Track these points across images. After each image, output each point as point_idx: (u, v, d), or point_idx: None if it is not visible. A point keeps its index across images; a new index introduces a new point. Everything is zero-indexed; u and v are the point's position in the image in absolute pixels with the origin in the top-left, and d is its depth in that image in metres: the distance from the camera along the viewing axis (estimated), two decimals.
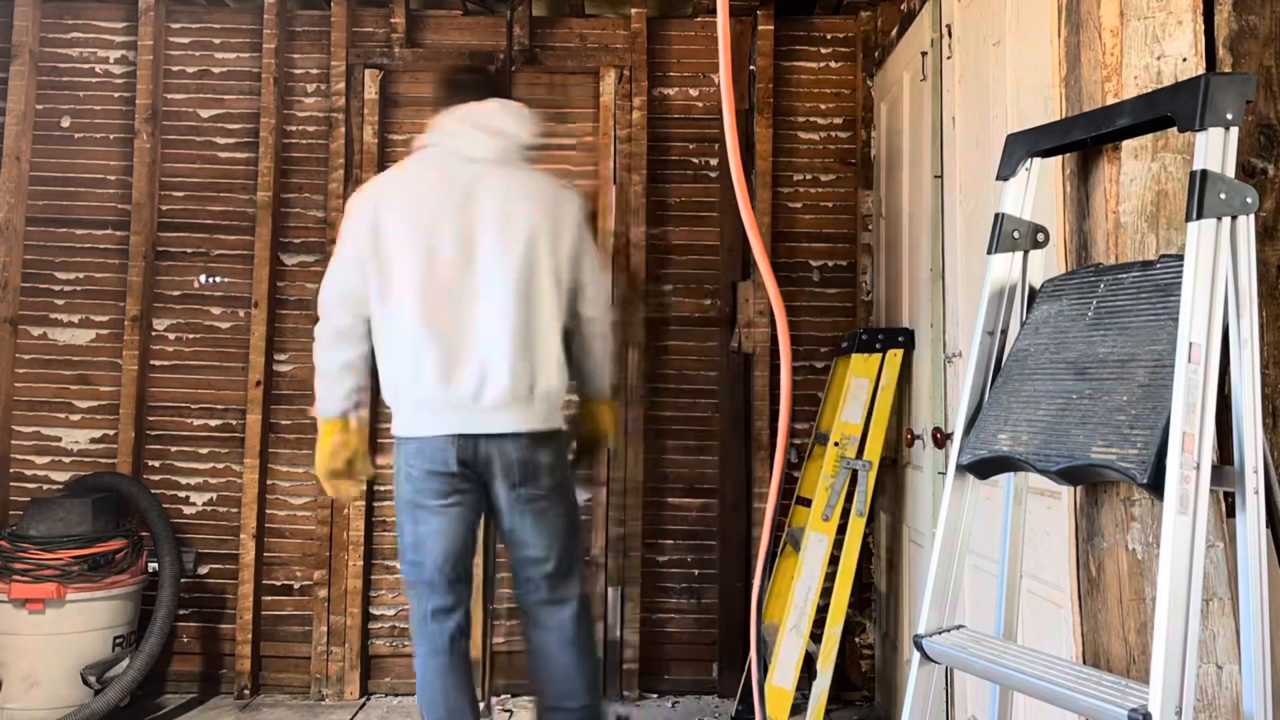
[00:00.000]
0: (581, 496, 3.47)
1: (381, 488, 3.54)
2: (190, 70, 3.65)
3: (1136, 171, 1.56)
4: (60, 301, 3.57)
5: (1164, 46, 1.58)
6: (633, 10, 3.62)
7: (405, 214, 2.37)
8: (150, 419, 3.55)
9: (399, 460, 2.41)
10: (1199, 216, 1.29)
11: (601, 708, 2.48)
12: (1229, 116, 1.32)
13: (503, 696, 3.42)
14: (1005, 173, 1.70)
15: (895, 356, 3.02)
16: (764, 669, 2.92)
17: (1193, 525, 1.22)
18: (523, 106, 2.56)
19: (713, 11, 3.10)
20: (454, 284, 2.33)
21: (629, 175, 3.55)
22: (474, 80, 2.61)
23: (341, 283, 2.43)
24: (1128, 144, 1.56)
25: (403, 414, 2.40)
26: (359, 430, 2.51)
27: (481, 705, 3.29)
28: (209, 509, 3.53)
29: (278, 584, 3.52)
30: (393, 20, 3.61)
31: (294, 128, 3.63)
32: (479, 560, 3.19)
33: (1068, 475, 1.43)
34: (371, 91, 3.58)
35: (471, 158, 2.41)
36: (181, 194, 3.62)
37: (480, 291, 2.34)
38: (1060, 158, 1.74)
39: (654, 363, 3.56)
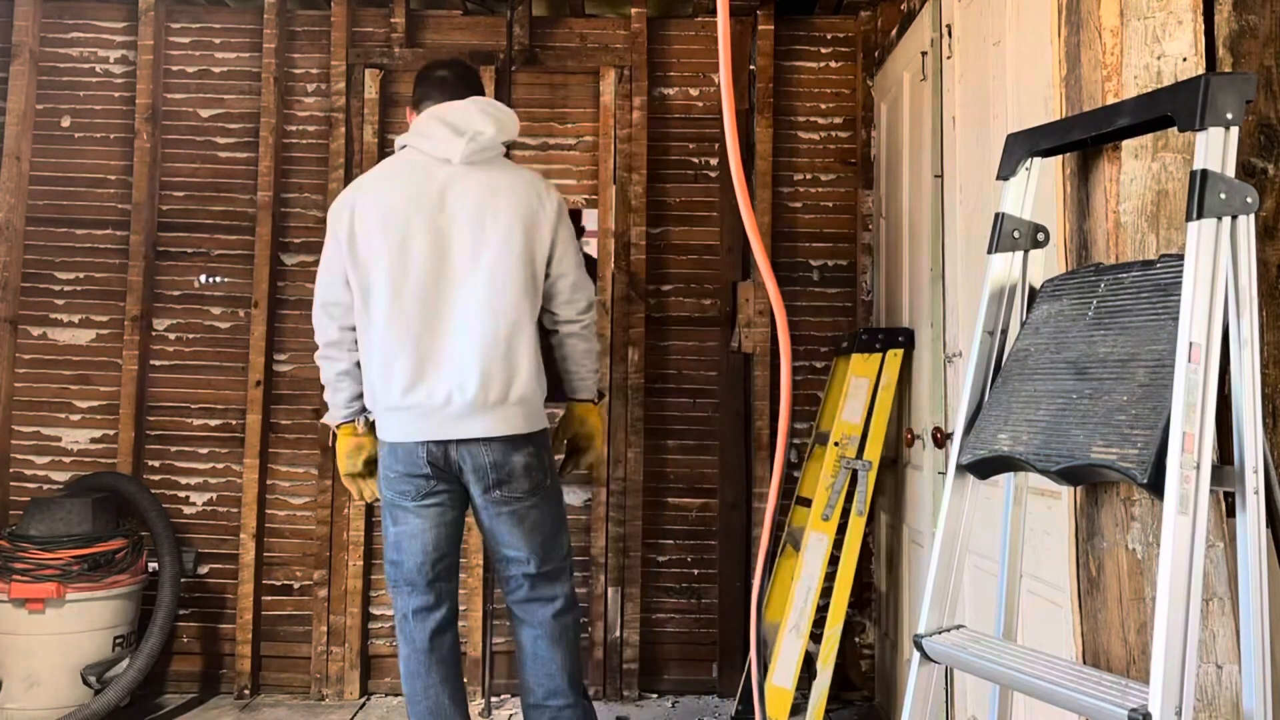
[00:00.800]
0: (580, 497, 3.48)
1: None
2: (190, 70, 3.65)
3: (1137, 171, 1.56)
4: (60, 301, 3.57)
5: (1164, 46, 1.58)
6: (633, 10, 3.62)
7: (378, 220, 2.34)
8: (150, 419, 3.55)
9: (380, 462, 2.42)
10: (1199, 216, 1.29)
11: (586, 706, 2.46)
12: (1229, 116, 1.32)
13: (503, 697, 3.42)
14: (1005, 173, 1.70)
15: (895, 356, 3.02)
16: (764, 669, 2.92)
17: (1193, 525, 1.22)
18: (500, 104, 2.50)
19: (713, 11, 3.10)
20: (426, 291, 2.31)
21: (629, 175, 3.55)
22: (450, 76, 2.53)
23: (325, 292, 2.44)
24: (1128, 144, 1.56)
25: (380, 419, 2.40)
26: (370, 433, 2.52)
27: (481, 704, 3.30)
28: (209, 509, 3.53)
29: (278, 584, 3.52)
30: (393, 20, 3.61)
31: (294, 128, 3.63)
32: (476, 561, 3.19)
33: (1068, 475, 1.43)
34: (371, 91, 3.58)
35: (445, 159, 2.37)
36: (181, 194, 3.62)
37: (453, 298, 2.32)
38: (1060, 157, 1.74)
39: (654, 363, 3.56)
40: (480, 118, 2.39)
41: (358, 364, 2.44)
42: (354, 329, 2.41)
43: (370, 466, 2.53)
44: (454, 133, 2.36)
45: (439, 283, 2.32)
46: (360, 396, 2.47)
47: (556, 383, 2.57)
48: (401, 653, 2.42)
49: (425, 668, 2.38)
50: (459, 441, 2.31)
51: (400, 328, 2.31)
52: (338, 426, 2.55)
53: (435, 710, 2.38)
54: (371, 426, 2.49)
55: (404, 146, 2.46)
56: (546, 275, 2.42)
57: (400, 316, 2.31)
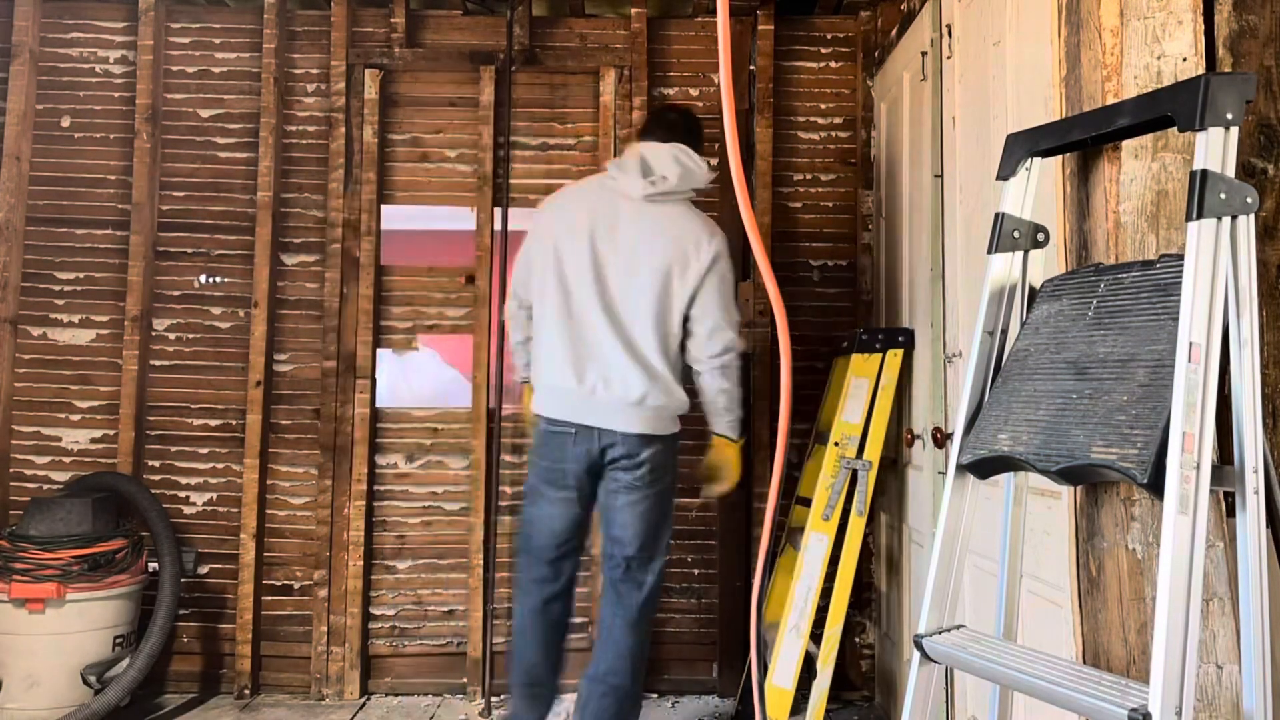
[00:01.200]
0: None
1: (380, 487, 3.54)
2: (190, 70, 3.65)
3: (1136, 171, 1.56)
4: (60, 301, 3.57)
5: (1164, 46, 1.58)
6: (633, 10, 3.62)
7: (563, 228, 2.69)
8: (150, 419, 3.55)
9: (533, 449, 2.73)
10: (1199, 216, 1.29)
11: (636, 694, 2.66)
12: (1229, 116, 1.32)
13: (503, 696, 3.42)
14: (1005, 173, 1.70)
15: (895, 356, 3.02)
16: (764, 669, 2.92)
17: (1193, 525, 1.22)
18: (696, 157, 2.74)
19: (713, 11, 3.10)
20: (586, 301, 2.64)
21: None
22: (675, 120, 2.89)
23: (517, 272, 2.83)
24: (1128, 144, 1.56)
25: (540, 394, 2.71)
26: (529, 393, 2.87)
27: (481, 704, 3.30)
28: (209, 509, 3.53)
29: (278, 584, 3.52)
30: (393, 20, 3.61)
31: (294, 128, 3.63)
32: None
33: (1068, 475, 1.43)
34: (371, 91, 3.58)
35: (625, 194, 2.69)
36: (181, 194, 3.62)
37: (605, 312, 2.63)
38: (1060, 158, 1.74)
39: None
40: (671, 164, 2.69)
41: (528, 340, 2.83)
42: (530, 310, 2.78)
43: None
44: (642, 174, 2.69)
45: (596, 297, 2.64)
46: (529, 367, 2.85)
47: None
48: (516, 611, 2.73)
49: (530, 628, 2.66)
50: (600, 430, 2.60)
51: (563, 323, 2.65)
52: (523, 383, 2.95)
53: (529, 665, 2.66)
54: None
55: (605, 172, 2.80)
56: (687, 318, 2.67)
57: (565, 314, 2.66)
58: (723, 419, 2.78)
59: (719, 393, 2.74)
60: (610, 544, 2.68)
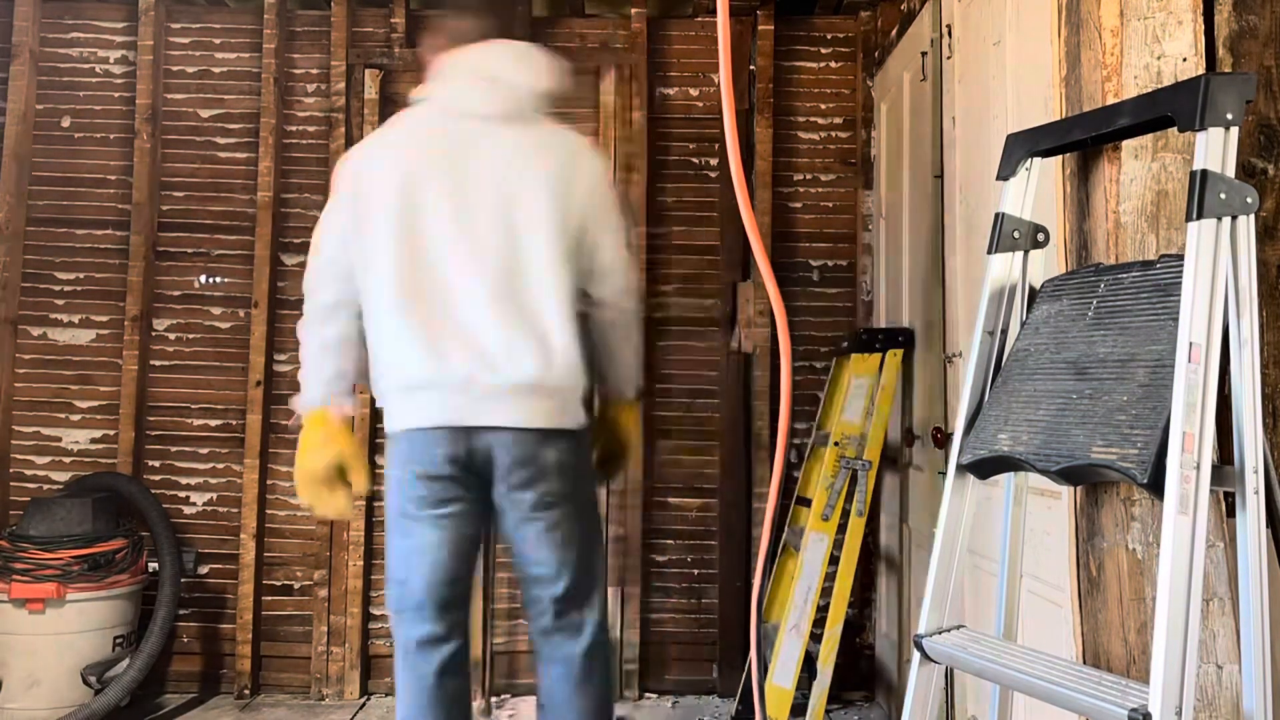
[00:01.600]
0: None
1: (380, 488, 3.53)
2: (190, 70, 3.65)
3: (1137, 171, 1.56)
4: (60, 301, 3.57)
5: (1164, 46, 1.58)
6: (633, 10, 3.62)
7: (389, 177, 2.04)
8: (150, 419, 3.55)
9: (388, 464, 2.08)
10: (1199, 216, 1.29)
11: None
12: (1229, 116, 1.32)
13: (503, 696, 3.42)
14: (1005, 173, 1.70)
15: (895, 356, 3.02)
16: (764, 669, 2.92)
17: (1193, 525, 1.22)
18: (540, 50, 2.18)
19: (713, 11, 3.10)
20: (443, 255, 2.00)
21: (629, 175, 3.55)
22: (477, 19, 2.18)
23: (325, 252, 2.12)
24: (1128, 144, 1.56)
25: (390, 403, 2.06)
26: (347, 428, 2.13)
27: (481, 704, 3.30)
28: (209, 509, 3.53)
29: (278, 584, 3.52)
30: (393, 20, 3.61)
31: (294, 128, 3.63)
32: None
33: (1068, 475, 1.43)
34: (371, 91, 3.58)
35: (469, 113, 2.07)
36: (181, 194, 3.62)
37: (474, 264, 2.00)
38: (1060, 158, 1.74)
39: (654, 363, 3.56)
40: (518, 64, 2.10)
41: (346, 337, 2.10)
42: (356, 295, 2.08)
43: (339, 471, 2.12)
44: (487, 82, 2.07)
45: (457, 249, 2.01)
46: (345, 376, 2.12)
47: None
48: (401, 687, 2.04)
49: (428, 709, 2.00)
50: (484, 430, 1.98)
51: (415, 296, 1.99)
52: (306, 415, 2.13)
53: None
54: (350, 422, 2.18)
55: (422, 99, 2.14)
56: (583, 248, 2.09)
57: (415, 284, 1.99)
58: (622, 379, 2.25)
59: (624, 346, 2.22)
60: (529, 585, 2.07)
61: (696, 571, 3.55)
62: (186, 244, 3.60)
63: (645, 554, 3.50)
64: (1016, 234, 1.68)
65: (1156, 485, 1.26)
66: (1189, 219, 1.30)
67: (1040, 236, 1.69)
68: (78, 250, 3.58)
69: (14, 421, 3.52)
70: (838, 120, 3.67)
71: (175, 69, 3.64)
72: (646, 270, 3.55)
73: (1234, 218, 1.31)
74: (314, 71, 3.64)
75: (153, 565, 3.29)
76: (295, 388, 3.47)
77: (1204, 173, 1.30)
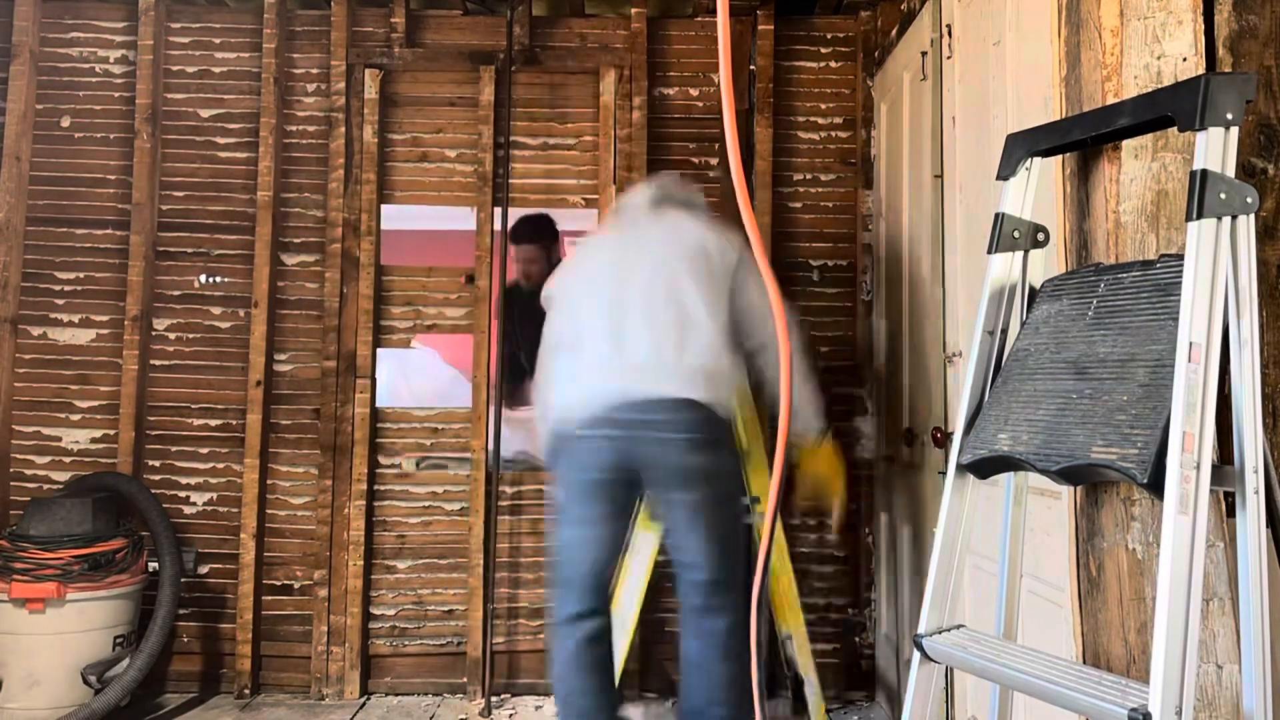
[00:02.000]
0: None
1: (380, 487, 3.54)
2: (190, 70, 3.65)
3: (1137, 171, 1.56)
4: (60, 301, 3.57)
5: (1164, 46, 1.58)
6: (633, 10, 3.62)
7: (585, 270, 2.61)
8: (150, 419, 3.55)
9: (556, 463, 2.46)
10: (1199, 216, 1.29)
11: None
12: (1229, 116, 1.32)
13: (503, 696, 3.42)
14: (1005, 173, 1.70)
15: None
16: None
17: (1193, 525, 1.22)
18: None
19: (713, 11, 3.10)
20: (623, 293, 2.44)
21: (629, 175, 3.55)
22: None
23: (546, 340, 2.62)
24: (1128, 144, 1.56)
25: (558, 394, 2.46)
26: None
27: (481, 704, 3.30)
28: (209, 509, 3.53)
29: (278, 584, 3.52)
30: (393, 20, 3.61)
31: (294, 128, 3.63)
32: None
33: (1068, 475, 1.43)
34: (371, 91, 3.58)
35: (635, 206, 2.67)
36: (181, 194, 3.62)
37: (644, 303, 2.42)
38: (1060, 157, 1.74)
39: None
40: (671, 182, 2.77)
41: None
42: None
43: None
44: (648, 189, 2.69)
45: (620, 292, 2.45)
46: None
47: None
48: (554, 654, 2.46)
49: (572, 671, 2.40)
50: (639, 404, 2.31)
51: (590, 320, 2.46)
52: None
53: (581, 710, 2.40)
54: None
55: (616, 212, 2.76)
56: (727, 306, 2.47)
57: (596, 309, 2.46)
58: (800, 417, 2.55)
59: (800, 381, 2.53)
60: (680, 569, 2.43)
61: None
62: (186, 244, 3.60)
63: None
64: (1016, 234, 1.68)
65: (1156, 485, 1.26)
66: (1189, 219, 1.30)
67: (1040, 236, 1.69)
68: (78, 250, 3.58)
69: (14, 421, 3.52)
70: (838, 120, 3.67)
71: (175, 69, 3.64)
72: None
73: (1234, 217, 1.31)
74: (314, 71, 3.64)
75: (153, 565, 3.29)
76: (295, 387, 3.53)
77: (1204, 172, 1.30)
